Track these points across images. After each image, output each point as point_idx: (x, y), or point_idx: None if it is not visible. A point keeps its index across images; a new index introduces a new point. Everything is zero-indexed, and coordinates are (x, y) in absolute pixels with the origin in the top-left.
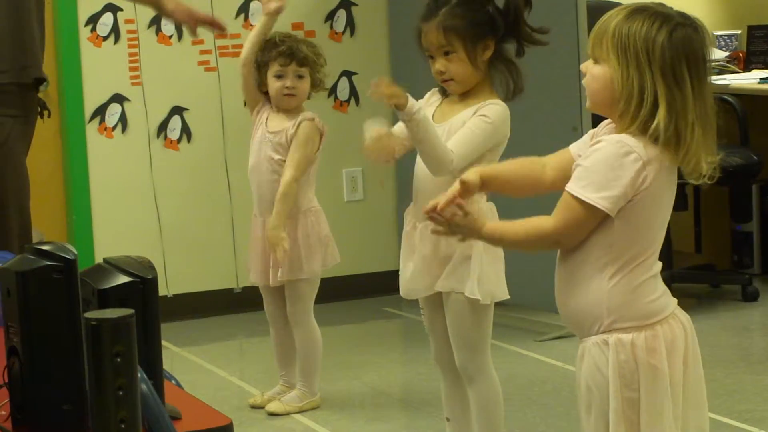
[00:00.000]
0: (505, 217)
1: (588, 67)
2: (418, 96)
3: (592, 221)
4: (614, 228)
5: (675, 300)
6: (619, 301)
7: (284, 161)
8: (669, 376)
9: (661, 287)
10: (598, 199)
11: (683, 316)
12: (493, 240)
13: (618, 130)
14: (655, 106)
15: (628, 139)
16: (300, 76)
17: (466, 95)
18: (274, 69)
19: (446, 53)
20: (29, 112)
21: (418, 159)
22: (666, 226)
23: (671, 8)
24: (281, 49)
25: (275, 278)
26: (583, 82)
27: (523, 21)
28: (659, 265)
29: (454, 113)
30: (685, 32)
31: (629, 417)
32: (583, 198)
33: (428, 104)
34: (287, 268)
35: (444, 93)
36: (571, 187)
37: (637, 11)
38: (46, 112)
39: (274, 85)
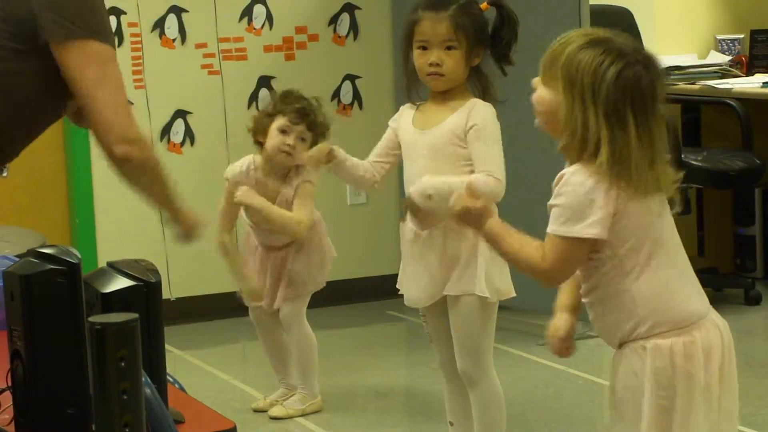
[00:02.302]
0: (506, 216)
1: (537, 84)
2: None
3: (583, 253)
4: (609, 238)
5: (708, 302)
6: (653, 303)
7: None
8: (705, 384)
9: (693, 288)
10: (581, 230)
11: (720, 321)
12: (489, 238)
13: (567, 158)
14: (597, 146)
15: (585, 168)
16: (303, 139)
17: (446, 97)
18: (281, 122)
19: (449, 47)
20: None
21: (411, 172)
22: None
23: (628, 40)
24: (297, 106)
25: (277, 303)
26: (532, 98)
27: (511, 44)
28: (687, 264)
29: (440, 117)
30: (633, 71)
31: (662, 424)
32: (568, 235)
33: (402, 118)
34: (284, 297)
35: (414, 102)
36: (553, 228)
37: (591, 43)
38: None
39: (274, 138)
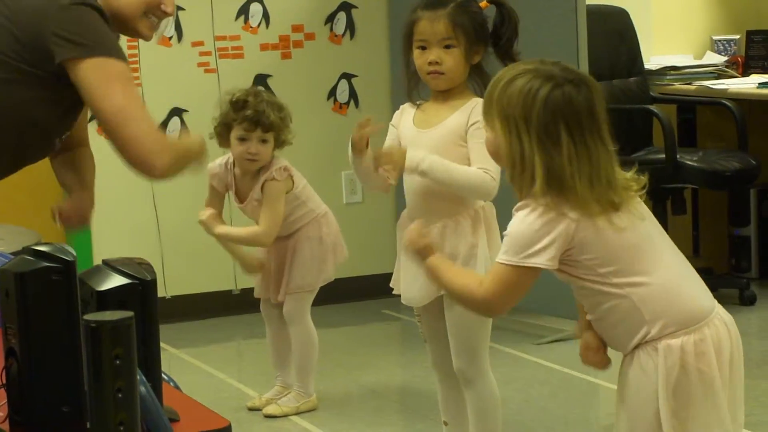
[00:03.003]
0: (506, 216)
1: (486, 133)
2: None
3: (524, 283)
4: (582, 261)
5: (713, 298)
6: (658, 306)
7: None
8: (720, 381)
9: (696, 285)
10: (522, 259)
11: (726, 316)
12: (431, 271)
13: (519, 196)
14: (534, 173)
15: (532, 201)
16: (264, 141)
17: (447, 96)
18: (237, 132)
19: (447, 46)
20: None
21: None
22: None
23: (557, 65)
24: (247, 113)
25: (281, 295)
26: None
27: (513, 41)
28: (684, 262)
29: (441, 116)
30: (562, 91)
31: (675, 426)
32: (509, 263)
33: (403, 117)
34: (288, 289)
35: (414, 102)
36: (500, 257)
37: (519, 75)
38: None
39: (237, 148)
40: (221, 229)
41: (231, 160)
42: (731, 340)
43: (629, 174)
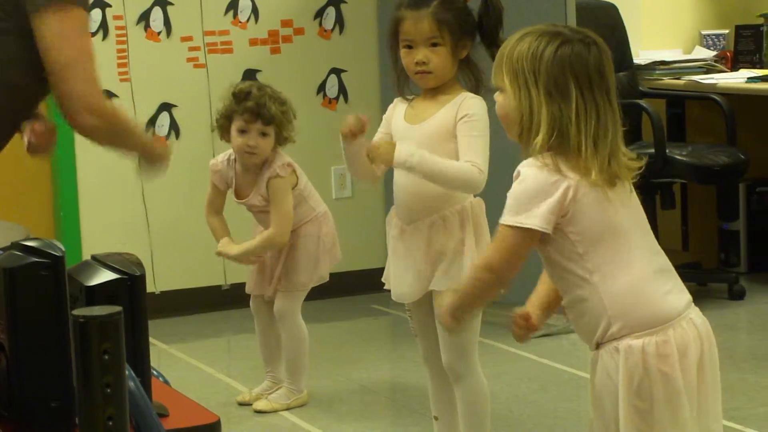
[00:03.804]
0: (495, 211)
1: (495, 96)
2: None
3: (525, 245)
4: (568, 234)
5: (689, 298)
6: (622, 302)
7: (265, 205)
8: (682, 383)
9: (669, 284)
10: (524, 219)
11: (699, 319)
12: (461, 311)
13: (524, 154)
14: (540, 124)
15: (535, 160)
16: (264, 134)
17: (437, 92)
18: (238, 123)
19: (433, 45)
20: None
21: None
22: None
23: (565, 26)
24: (248, 104)
25: (273, 291)
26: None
27: (498, 29)
28: (660, 260)
29: (430, 112)
30: (572, 48)
31: (639, 426)
32: (511, 224)
33: (396, 111)
34: (283, 283)
35: (405, 97)
36: (501, 219)
37: (527, 34)
38: None
39: (236, 140)
40: (237, 249)
41: (233, 156)
42: (701, 343)
43: (631, 153)
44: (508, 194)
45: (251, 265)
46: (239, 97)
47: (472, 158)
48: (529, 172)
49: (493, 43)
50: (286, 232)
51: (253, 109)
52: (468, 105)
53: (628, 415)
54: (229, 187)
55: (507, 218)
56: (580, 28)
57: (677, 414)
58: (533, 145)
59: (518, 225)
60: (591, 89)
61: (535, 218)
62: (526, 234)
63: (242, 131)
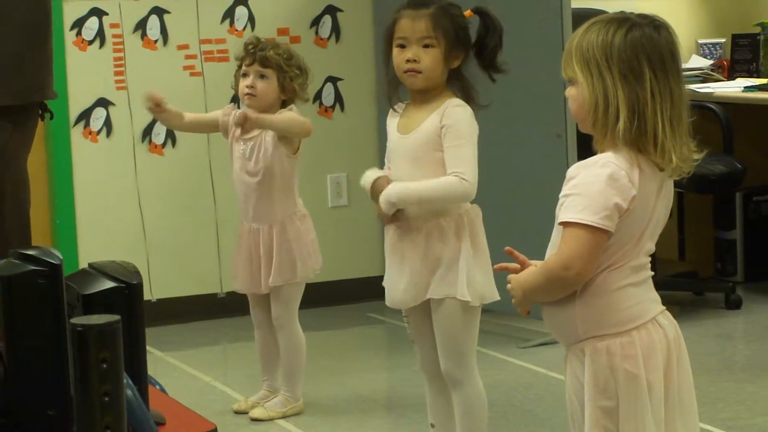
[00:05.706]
0: (492, 218)
1: (568, 91)
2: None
3: (602, 245)
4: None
5: (660, 307)
6: (589, 310)
7: (262, 168)
8: (648, 383)
9: (642, 296)
10: (599, 220)
11: (666, 320)
12: (522, 294)
13: (597, 145)
14: (619, 109)
15: (604, 156)
16: (262, 76)
17: (424, 99)
18: (241, 69)
19: (426, 45)
20: (29, 117)
21: (395, 177)
22: (645, 231)
23: (631, 13)
24: (248, 48)
25: (266, 285)
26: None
27: (497, 51)
28: (644, 273)
29: (419, 121)
30: (642, 31)
31: (605, 425)
32: (588, 223)
33: (391, 122)
34: (278, 274)
35: (394, 108)
36: (570, 216)
37: (594, 23)
38: (47, 114)
39: (240, 85)
40: (258, 115)
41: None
42: (669, 345)
43: (692, 142)
44: (575, 186)
45: (238, 263)
46: (248, 47)
47: (457, 168)
48: (602, 172)
49: (491, 65)
50: (309, 123)
51: (251, 50)
52: (449, 113)
53: (594, 415)
54: (227, 134)
55: (585, 217)
56: (646, 14)
57: (643, 413)
58: (616, 132)
59: (599, 226)
60: (665, 71)
61: (610, 220)
62: (605, 235)
63: (244, 75)
